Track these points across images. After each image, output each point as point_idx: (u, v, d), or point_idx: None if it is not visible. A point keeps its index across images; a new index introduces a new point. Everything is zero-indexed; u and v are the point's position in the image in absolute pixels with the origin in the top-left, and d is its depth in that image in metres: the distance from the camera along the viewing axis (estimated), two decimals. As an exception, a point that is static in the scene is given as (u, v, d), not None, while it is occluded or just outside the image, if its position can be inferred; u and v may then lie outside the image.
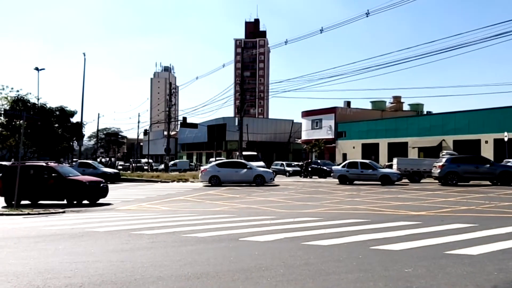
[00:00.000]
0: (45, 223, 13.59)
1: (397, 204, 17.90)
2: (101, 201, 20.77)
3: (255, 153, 56.65)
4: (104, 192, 21.04)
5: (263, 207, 17.76)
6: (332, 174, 34.34)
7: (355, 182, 32.34)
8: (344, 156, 58.76)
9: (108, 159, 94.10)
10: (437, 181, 32.07)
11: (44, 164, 21.17)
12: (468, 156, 32.10)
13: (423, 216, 14.12)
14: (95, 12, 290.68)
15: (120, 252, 8.86)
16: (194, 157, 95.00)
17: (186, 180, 37.33)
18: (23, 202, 19.99)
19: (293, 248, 8.92)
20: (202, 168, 33.31)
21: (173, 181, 37.25)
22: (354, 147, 58.58)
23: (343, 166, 33.36)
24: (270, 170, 34.28)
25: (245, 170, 31.34)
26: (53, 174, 20.02)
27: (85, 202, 20.13)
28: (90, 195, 20.20)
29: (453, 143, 46.25)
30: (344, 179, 32.26)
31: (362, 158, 54.40)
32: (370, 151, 55.52)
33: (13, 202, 19.37)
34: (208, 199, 21.43)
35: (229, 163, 33.06)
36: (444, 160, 29.99)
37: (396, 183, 30.60)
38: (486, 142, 43.46)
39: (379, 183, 30.77)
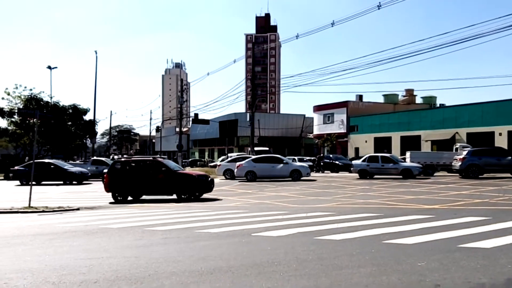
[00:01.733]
0: (59, 220, 13.71)
1: (410, 198, 17.83)
2: (206, 196, 20.51)
3: (267, 148, 56.62)
4: (211, 186, 20.41)
5: (276, 202, 17.78)
6: (352, 168, 33.75)
7: (362, 176, 32.08)
8: (356, 150, 58.58)
9: (120, 156, 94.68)
10: (450, 174, 31.92)
11: (151, 158, 21.18)
12: (489, 148, 31.79)
13: (436, 210, 14.05)
14: (106, 10, 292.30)
15: (134, 248, 8.92)
16: (206, 153, 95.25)
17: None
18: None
19: (306, 243, 8.92)
20: (237, 163, 32.75)
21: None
22: (366, 141, 58.32)
23: (363, 160, 32.82)
24: (306, 165, 33.64)
25: (282, 165, 31.05)
26: (162, 169, 19.76)
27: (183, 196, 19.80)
28: (200, 189, 19.81)
29: (466, 136, 45.85)
30: (365, 174, 31.84)
31: (375, 152, 54.15)
32: (382, 145, 55.20)
33: (119, 198, 19.79)
34: (221, 195, 21.48)
35: (265, 158, 32.50)
36: (465, 153, 29.67)
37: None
38: (500, 134, 43.03)
39: (400, 177, 30.45)
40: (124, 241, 9.77)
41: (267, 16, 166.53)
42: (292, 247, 8.55)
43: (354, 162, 35.12)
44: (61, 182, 32.85)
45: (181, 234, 10.49)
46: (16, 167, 34.95)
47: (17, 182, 33.53)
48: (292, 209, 15.23)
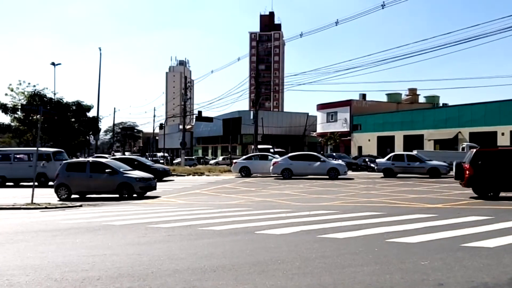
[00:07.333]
0: (62, 217, 13.74)
1: (413, 197, 17.79)
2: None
3: (269, 146, 56.54)
4: None
5: (279, 200, 17.77)
6: (376, 167, 32.95)
7: (361, 174, 31.86)
8: (360, 149, 58.54)
9: (121, 154, 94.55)
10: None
11: None
12: None
13: (439, 209, 14.03)
14: (110, 6, 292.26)
15: (137, 245, 8.92)
16: (210, 151, 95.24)
17: (201, 174, 37.46)
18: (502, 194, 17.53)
19: (309, 241, 8.91)
20: (272, 161, 32.02)
21: (188, 174, 37.39)
22: (369, 140, 58.27)
23: (388, 159, 31.96)
24: (343, 163, 32.55)
25: (319, 163, 30.56)
26: None
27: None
28: None
29: (469, 135, 45.80)
30: (390, 173, 31.05)
31: (378, 151, 54.12)
32: (385, 143, 55.16)
33: (489, 194, 17.24)
34: (224, 193, 21.49)
35: (301, 156, 32.01)
36: None
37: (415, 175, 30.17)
38: (503, 134, 42.96)
39: (427, 176, 29.88)
40: (127, 238, 9.77)
41: (271, 14, 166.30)
42: (296, 245, 8.55)
43: (378, 160, 33.99)
44: None
45: (184, 231, 10.49)
46: None
47: None
48: (295, 207, 15.22)
